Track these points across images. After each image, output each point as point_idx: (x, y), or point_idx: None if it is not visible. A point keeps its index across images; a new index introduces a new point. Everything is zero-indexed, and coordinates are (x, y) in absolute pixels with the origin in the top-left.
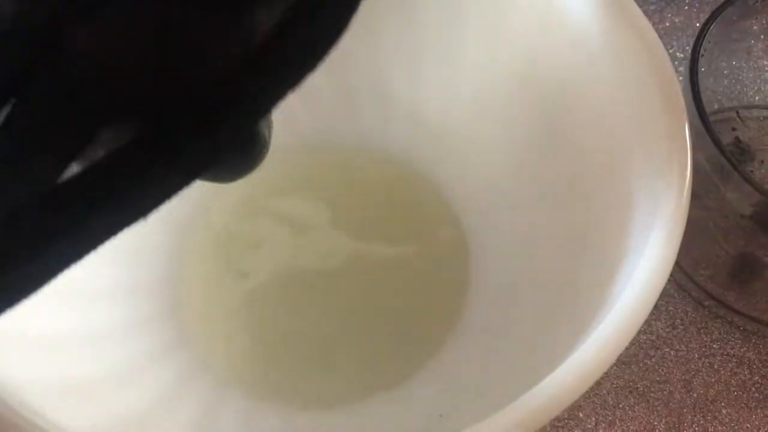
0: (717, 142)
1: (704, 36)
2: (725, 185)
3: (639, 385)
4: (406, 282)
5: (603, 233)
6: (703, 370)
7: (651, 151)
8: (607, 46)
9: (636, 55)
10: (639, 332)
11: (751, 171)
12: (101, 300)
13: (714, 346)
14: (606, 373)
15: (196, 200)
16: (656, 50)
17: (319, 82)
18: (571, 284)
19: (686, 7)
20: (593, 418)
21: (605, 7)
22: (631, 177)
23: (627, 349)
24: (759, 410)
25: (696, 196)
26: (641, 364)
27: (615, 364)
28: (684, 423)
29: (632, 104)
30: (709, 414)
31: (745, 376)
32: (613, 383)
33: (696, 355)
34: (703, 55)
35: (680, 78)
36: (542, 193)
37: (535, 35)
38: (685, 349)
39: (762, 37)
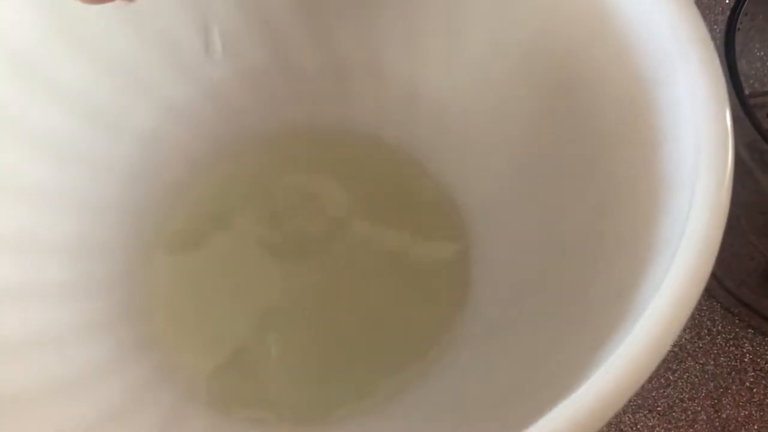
0: (758, 126)
1: (739, 12)
2: (765, 174)
3: (660, 404)
4: (402, 280)
5: (627, 227)
6: (733, 387)
7: (683, 136)
8: (634, 14)
9: (668, 26)
10: None
11: None
12: (45, 299)
13: (745, 360)
14: None
15: (161, 189)
16: (694, 20)
17: (303, 56)
18: (588, 285)
19: None
20: None
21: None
22: (661, 164)
23: None
24: None
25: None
26: (662, 380)
27: None
28: None
29: (662, 82)
30: None
31: None
32: (630, 401)
33: (725, 371)
34: (739, 29)
35: None
36: (553, 181)
37: (544, 19)
38: (712, 363)
39: None
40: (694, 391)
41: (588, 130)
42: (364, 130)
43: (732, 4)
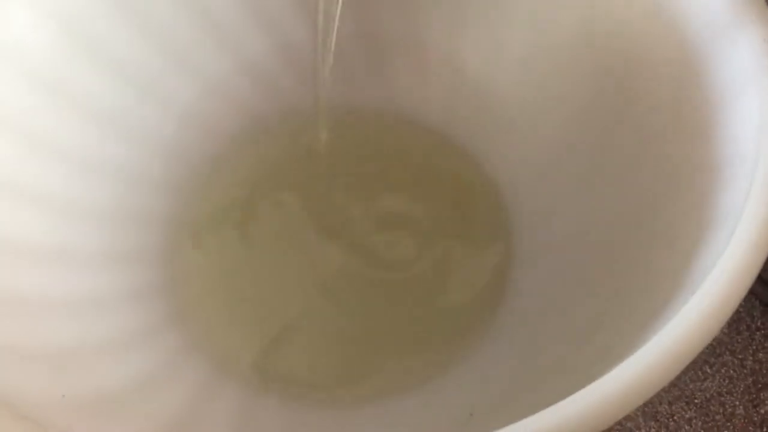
0: None
1: None
2: None
3: (697, 397)
4: (440, 265)
5: (681, 207)
6: None
7: (743, 110)
8: (695, 18)
9: (737, 38)
10: None
11: None
12: (89, 266)
13: None
14: None
15: (200, 163)
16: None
17: (342, 32)
18: (632, 275)
19: None
20: (644, 431)
21: None
22: (719, 141)
23: None
24: None
25: None
26: (700, 372)
27: None
28: None
29: (718, 57)
30: None
31: None
32: (667, 392)
33: (764, 366)
34: None
35: None
36: (602, 162)
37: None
38: (751, 359)
39: None
40: (732, 386)
41: (640, 110)
42: (404, 109)
43: None
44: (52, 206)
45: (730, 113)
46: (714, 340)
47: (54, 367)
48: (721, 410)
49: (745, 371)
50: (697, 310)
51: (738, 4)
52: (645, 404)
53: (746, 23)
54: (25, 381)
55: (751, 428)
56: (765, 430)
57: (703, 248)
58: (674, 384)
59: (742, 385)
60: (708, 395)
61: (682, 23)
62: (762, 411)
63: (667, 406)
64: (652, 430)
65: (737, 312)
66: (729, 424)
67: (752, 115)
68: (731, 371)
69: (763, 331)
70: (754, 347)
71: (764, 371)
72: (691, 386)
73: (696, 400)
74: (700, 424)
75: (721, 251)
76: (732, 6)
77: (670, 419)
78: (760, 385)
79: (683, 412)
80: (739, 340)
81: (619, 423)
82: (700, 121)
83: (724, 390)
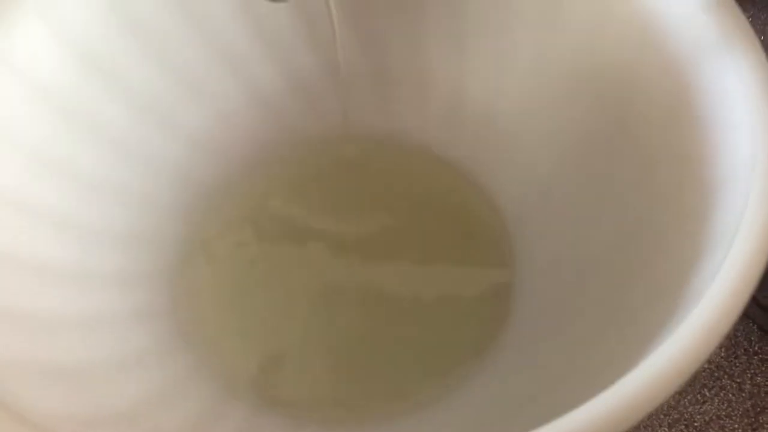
0: None
1: None
2: None
3: (696, 420)
4: (444, 285)
5: (677, 227)
6: None
7: (736, 137)
8: (678, 24)
9: (715, 33)
10: None
11: None
12: (101, 286)
13: None
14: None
15: (211, 188)
16: (742, 26)
17: (350, 62)
18: (633, 291)
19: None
20: None
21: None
22: (712, 164)
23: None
24: None
25: None
26: (699, 396)
27: (671, 397)
28: None
29: (710, 87)
30: None
31: None
32: (667, 414)
33: (762, 390)
34: None
35: None
36: (600, 189)
37: (594, 25)
38: (749, 382)
39: None
40: (730, 409)
41: (636, 138)
42: (408, 136)
43: None
44: (66, 228)
45: (723, 137)
46: (712, 363)
47: (66, 383)
48: None
49: (743, 395)
50: (694, 326)
51: (731, 41)
52: (645, 427)
53: (736, 51)
54: (40, 394)
55: None
56: None
57: (700, 266)
58: (673, 407)
59: (740, 409)
60: (707, 418)
61: (674, 52)
62: None
63: (666, 429)
64: None
65: (735, 336)
66: None
67: (744, 137)
68: (730, 395)
69: (760, 356)
70: (752, 371)
71: (762, 395)
72: (690, 409)
73: (695, 423)
74: None
75: (718, 269)
76: (724, 42)
77: None
78: (758, 409)
79: None
80: (738, 364)
81: None
82: (693, 145)
83: (723, 413)
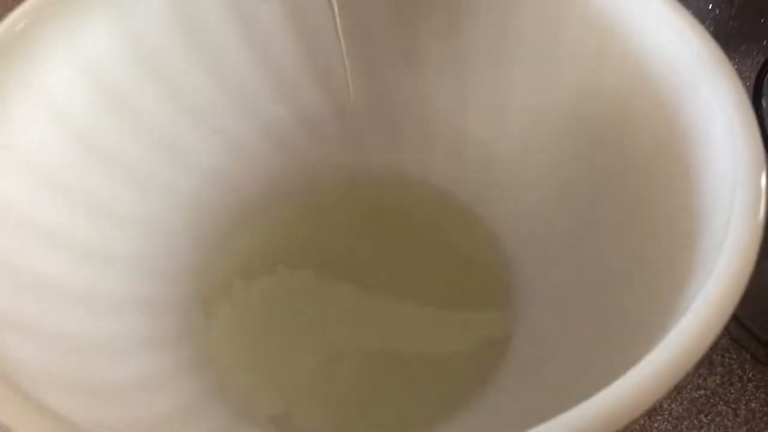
0: None
1: (764, 76)
2: None
3: None
4: (446, 318)
5: (664, 254)
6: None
7: (719, 172)
8: (671, 68)
9: (705, 81)
10: (692, 387)
11: None
12: (118, 312)
13: None
14: (658, 428)
15: (223, 219)
16: (730, 75)
17: (355, 100)
18: (622, 316)
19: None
20: None
21: (676, 36)
22: (697, 198)
23: (680, 404)
24: None
25: (763, 250)
26: (695, 420)
27: (667, 419)
28: None
29: (698, 127)
30: None
31: None
32: None
33: (758, 416)
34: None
35: None
36: (595, 221)
37: (592, 63)
38: (744, 408)
39: None
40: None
41: (629, 172)
42: (411, 172)
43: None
44: (86, 255)
45: (707, 168)
46: (708, 390)
47: (89, 399)
48: None
49: (738, 420)
50: (681, 337)
51: (718, 87)
52: None
53: (721, 90)
54: (71, 403)
55: None
56: None
57: (687, 287)
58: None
59: None
60: None
61: (664, 92)
62: None
63: None
64: None
65: (730, 365)
66: None
67: (726, 168)
68: (726, 420)
69: (754, 383)
70: (747, 397)
71: (757, 420)
72: None
73: None
74: None
75: (701, 289)
76: (709, 78)
77: None
78: None
79: None
80: (732, 391)
81: None
82: (681, 176)
83: None
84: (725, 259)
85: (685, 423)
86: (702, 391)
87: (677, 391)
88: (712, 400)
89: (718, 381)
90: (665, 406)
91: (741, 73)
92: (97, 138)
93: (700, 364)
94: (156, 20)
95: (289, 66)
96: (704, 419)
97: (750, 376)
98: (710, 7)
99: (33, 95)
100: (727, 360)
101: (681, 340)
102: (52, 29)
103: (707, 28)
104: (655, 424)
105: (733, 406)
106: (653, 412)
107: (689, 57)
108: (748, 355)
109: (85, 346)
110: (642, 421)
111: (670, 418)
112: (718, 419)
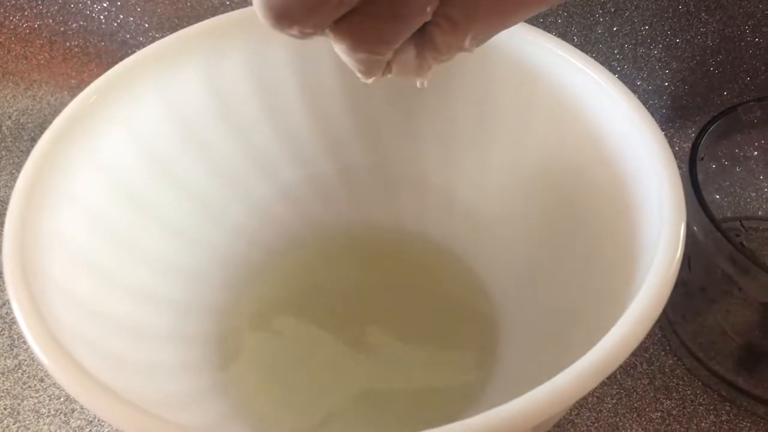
0: (731, 240)
1: (698, 147)
2: (742, 280)
3: None
4: (436, 349)
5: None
6: None
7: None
8: (622, 144)
9: (647, 156)
10: (650, 410)
11: None
12: (163, 343)
13: (724, 426)
14: None
15: (247, 268)
16: (668, 157)
17: (359, 164)
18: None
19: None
20: None
21: (621, 112)
22: (635, 239)
23: (640, 424)
24: None
25: (709, 295)
26: None
27: None
28: None
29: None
30: None
31: None
32: None
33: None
34: (702, 159)
35: None
36: (559, 259)
37: (556, 133)
38: (695, 427)
39: (756, 152)
40: None
41: (584, 222)
42: (408, 226)
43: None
44: (138, 297)
45: (643, 215)
46: (665, 412)
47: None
48: None
49: None
50: (628, 322)
51: (657, 164)
52: None
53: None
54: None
55: None
56: None
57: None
58: None
59: None
60: None
61: (613, 155)
62: None
63: None
64: None
65: (684, 391)
66: None
67: (655, 203)
68: None
69: (704, 406)
70: (698, 418)
71: None
72: None
73: None
74: None
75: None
76: (653, 163)
77: None
78: None
79: None
80: (685, 413)
81: None
82: (625, 222)
83: None
84: (651, 279)
85: None
86: (659, 413)
87: (638, 413)
88: (667, 421)
89: (673, 404)
90: (627, 425)
91: (689, 139)
92: (146, 196)
93: (658, 390)
94: (192, 97)
95: (304, 137)
96: None
97: (701, 400)
98: (666, 84)
99: (95, 157)
100: (681, 387)
101: (624, 328)
102: (113, 103)
103: (663, 102)
104: None
105: (686, 426)
106: (614, 430)
107: (633, 131)
108: (699, 383)
109: (137, 367)
110: None
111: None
112: None
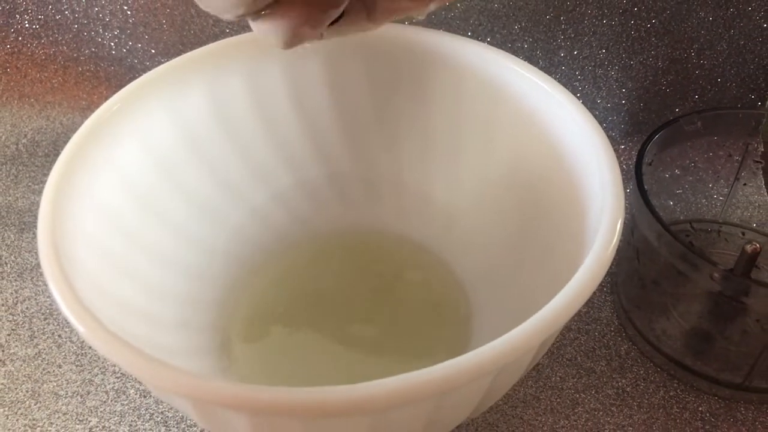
0: (680, 239)
1: (644, 153)
2: (695, 272)
3: (606, 429)
4: (415, 334)
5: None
6: (662, 418)
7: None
8: (577, 156)
9: (597, 167)
10: (607, 387)
11: None
12: (170, 330)
13: (671, 401)
14: (579, 417)
15: (245, 268)
16: (614, 167)
17: (346, 171)
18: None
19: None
20: None
21: (576, 124)
22: (585, 234)
23: (597, 399)
24: None
25: (661, 287)
26: (608, 411)
27: (586, 410)
28: None
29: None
30: None
31: (699, 427)
32: (585, 425)
33: (654, 407)
34: (650, 164)
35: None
36: (523, 251)
37: (520, 138)
38: (646, 402)
39: (702, 162)
40: (631, 419)
41: (546, 221)
42: (390, 228)
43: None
44: (146, 287)
45: (592, 213)
46: (619, 389)
47: None
48: None
49: (642, 410)
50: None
51: (605, 175)
52: None
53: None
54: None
55: None
56: None
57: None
58: (588, 419)
59: (639, 419)
60: (614, 427)
61: (568, 161)
62: None
63: None
64: None
65: (637, 370)
66: None
67: (598, 196)
68: (632, 411)
69: (654, 383)
70: (649, 394)
71: (654, 409)
72: (601, 422)
73: (606, 431)
74: None
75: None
76: (601, 174)
77: None
78: (653, 420)
79: None
80: (638, 389)
81: None
82: (578, 218)
83: (627, 423)
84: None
85: (600, 413)
86: (615, 390)
87: (596, 389)
88: (622, 396)
89: (627, 382)
90: (585, 400)
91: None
92: (153, 200)
93: (614, 371)
94: (197, 112)
95: (296, 146)
96: (615, 410)
97: (652, 378)
98: (623, 102)
99: (112, 165)
100: (635, 368)
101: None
102: (128, 116)
103: (621, 118)
104: (576, 414)
105: (638, 400)
106: (575, 405)
107: (585, 139)
108: (651, 364)
109: (148, 347)
110: (565, 411)
111: (589, 409)
112: (626, 410)
